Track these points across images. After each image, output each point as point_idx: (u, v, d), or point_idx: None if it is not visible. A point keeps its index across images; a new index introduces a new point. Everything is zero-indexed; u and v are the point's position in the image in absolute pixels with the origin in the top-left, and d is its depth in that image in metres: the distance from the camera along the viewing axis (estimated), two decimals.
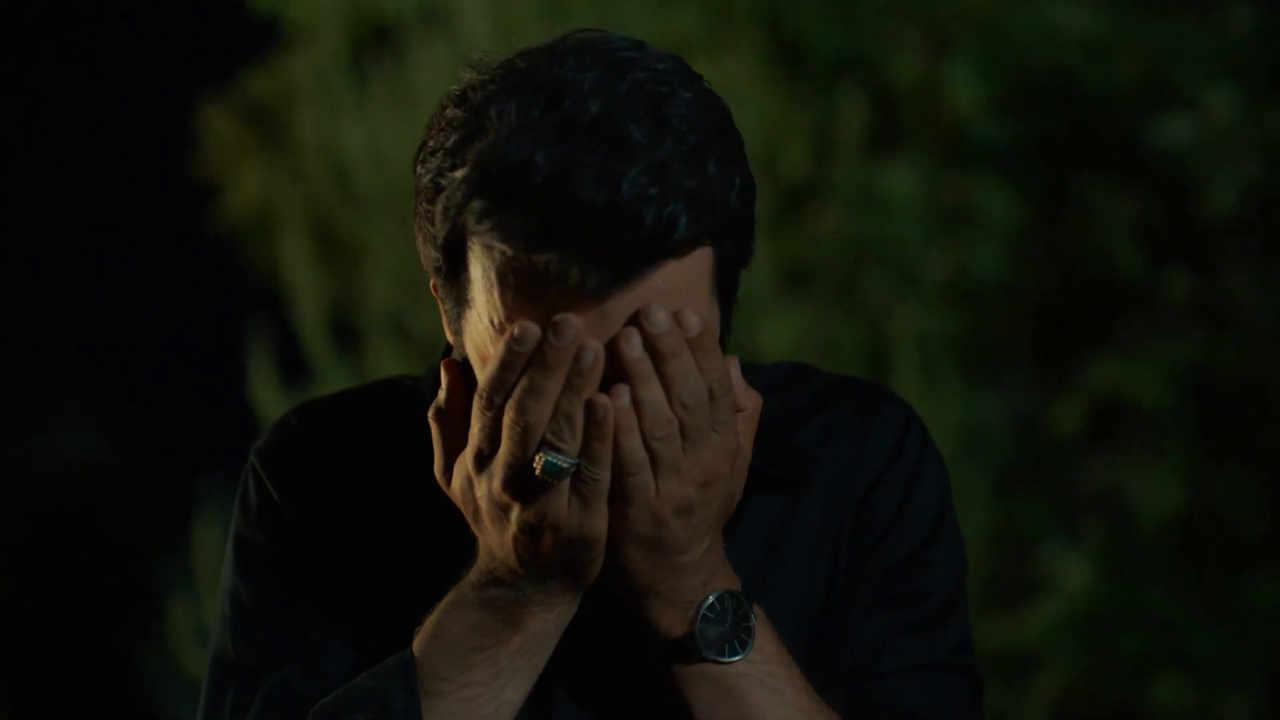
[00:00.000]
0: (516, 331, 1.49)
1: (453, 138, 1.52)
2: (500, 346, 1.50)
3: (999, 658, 3.98)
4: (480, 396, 1.52)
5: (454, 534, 1.60)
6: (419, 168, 1.56)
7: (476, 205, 1.50)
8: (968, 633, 1.72)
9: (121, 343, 5.00)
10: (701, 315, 1.51)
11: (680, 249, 1.50)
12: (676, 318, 1.50)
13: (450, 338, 1.60)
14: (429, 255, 1.56)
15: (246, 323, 4.29)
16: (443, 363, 1.58)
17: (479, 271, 1.52)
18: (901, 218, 4.06)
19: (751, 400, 1.58)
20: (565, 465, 1.51)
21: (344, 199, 4.34)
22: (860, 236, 4.09)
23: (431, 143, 1.54)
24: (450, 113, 1.54)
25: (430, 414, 1.58)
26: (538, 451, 1.51)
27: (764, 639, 1.59)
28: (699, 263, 1.52)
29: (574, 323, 1.48)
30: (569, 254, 1.47)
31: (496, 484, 1.53)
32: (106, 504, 5.20)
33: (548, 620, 1.59)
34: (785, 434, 1.69)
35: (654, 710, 1.62)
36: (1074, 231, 4.12)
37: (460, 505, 1.57)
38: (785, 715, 1.59)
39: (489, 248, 1.50)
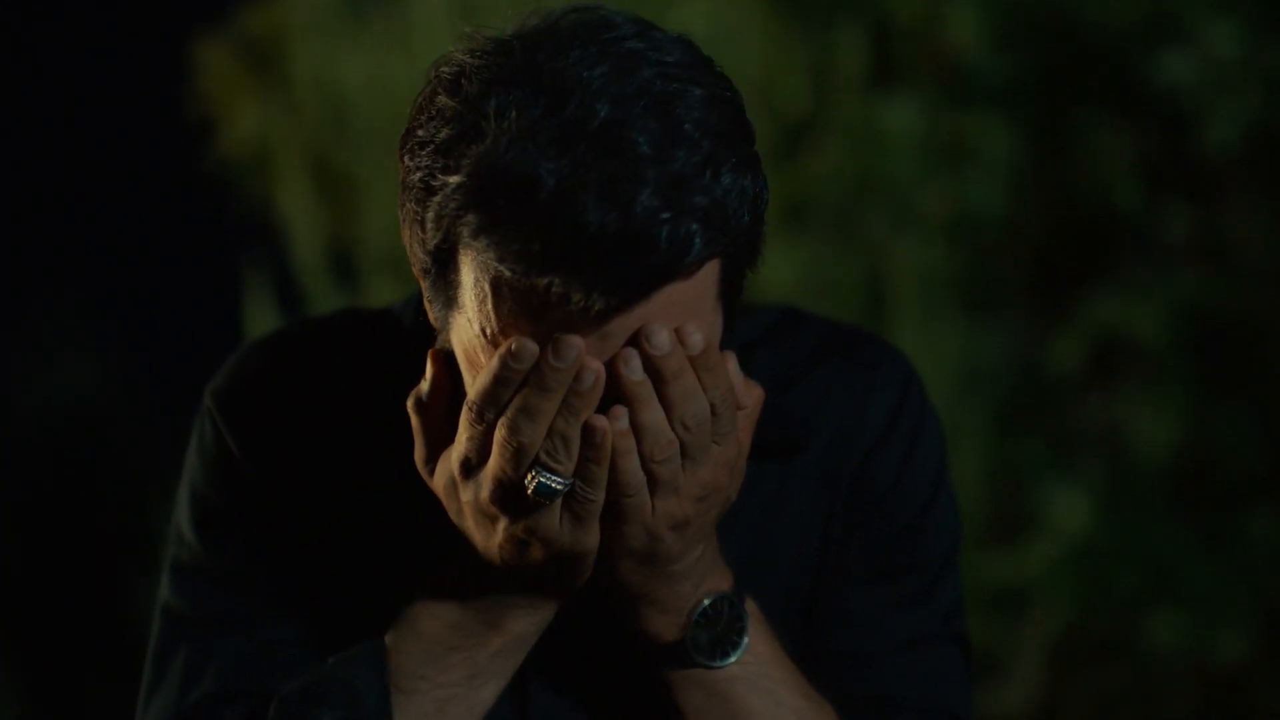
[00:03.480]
0: (514, 348, 1.40)
1: (444, 132, 1.41)
2: (494, 361, 1.41)
3: (995, 595, 3.99)
4: (470, 408, 1.44)
5: (430, 491, 1.53)
6: (406, 159, 1.44)
7: (473, 219, 1.39)
8: (958, 597, 1.69)
9: (117, 281, 4.99)
10: (703, 329, 1.44)
11: (690, 269, 1.41)
12: (679, 335, 1.42)
13: (435, 327, 1.50)
14: (416, 256, 1.45)
15: (243, 259, 4.27)
16: (429, 352, 1.50)
17: (470, 279, 1.42)
18: (900, 154, 4.04)
19: (752, 396, 1.51)
20: (559, 487, 1.43)
21: (341, 135, 4.32)
22: (859, 173, 4.07)
23: (421, 132, 1.43)
24: (441, 102, 1.42)
25: (411, 405, 1.50)
26: (530, 470, 1.43)
27: (757, 640, 1.56)
28: (706, 276, 1.44)
29: (576, 344, 1.39)
30: (573, 278, 1.37)
31: (484, 494, 1.45)
32: (102, 443, 5.19)
33: (529, 623, 1.54)
34: (779, 394, 1.64)
35: (631, 705, 1.59)
36: (1074, 168, 4.10)
37: (443, 501, 1.50)
38: (778, 716, 1.56)
39: (484, 261, 1.40)
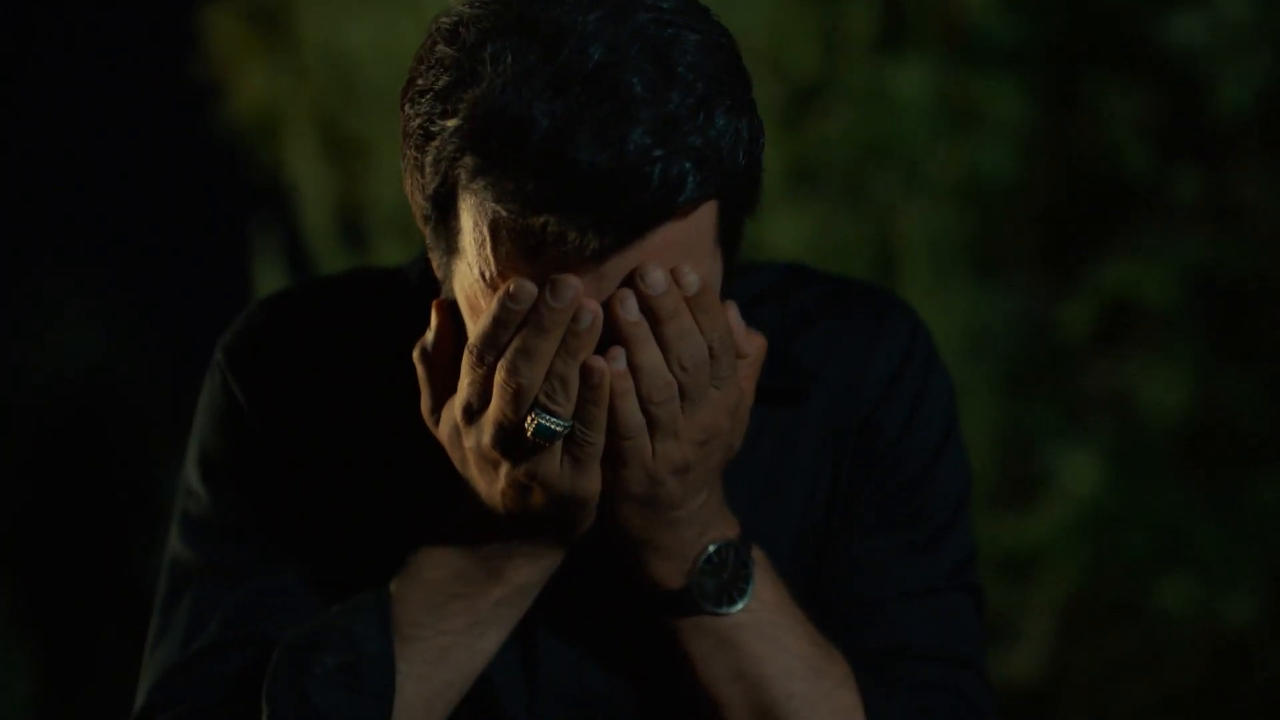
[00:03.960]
0: (512, 288, 1.42)
1: (443, 79, 1.44)
2: (494, 303, 1.43)
3: (1004, 559, 3.99)
4: (471, 351, 1.46)
5: (435, 445, 1.55)
6: (407, 107, 1.47)
7: (470, 161, 1.42)
8: (970, 546, 1.70)
9: (125, 245, 4.99)
10: (701, 272, 1.45)
11: (685, 209, 1.43)
12: (674, 276, 1.44)
13: (437, 276, 1.52)
14: (417, 203, 1.48)
15: (252, 223, 4.27)
16: (434, 303, 1.51)
17: (470, 223, 1.44)
18: (910, 117, 4.03)
19: (753, 345, 1.52)
20: (558, 429, 1.45)
21: (350, 99, 4.31)
22: (868, 136, 4.06)
23: (421, 81, 1.46)
24: (440, 51, 1.45)
25: (416, 355, 1.52)
26: (530, 412, 1.45)
27: (763, 586, 1.56)
28: (703, 218, 1.45)
29: (574, 284, 1.42)
30: (568, 218, 1.40)
31: (486, 439, 1.47)
32: (110, 408, 5.20)
33: (531, 572, 1.55)
34: (784, 344, 1.65)
35: (638, 653, 1.60)
36: (1084, 131, 4.09)
37: (448, 450, 1.51)
38: (785, 663, 1.57)
39: (482, 203, 1.42)
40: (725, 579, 1.54)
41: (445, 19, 1.46)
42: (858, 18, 4.06)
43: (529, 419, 1.44)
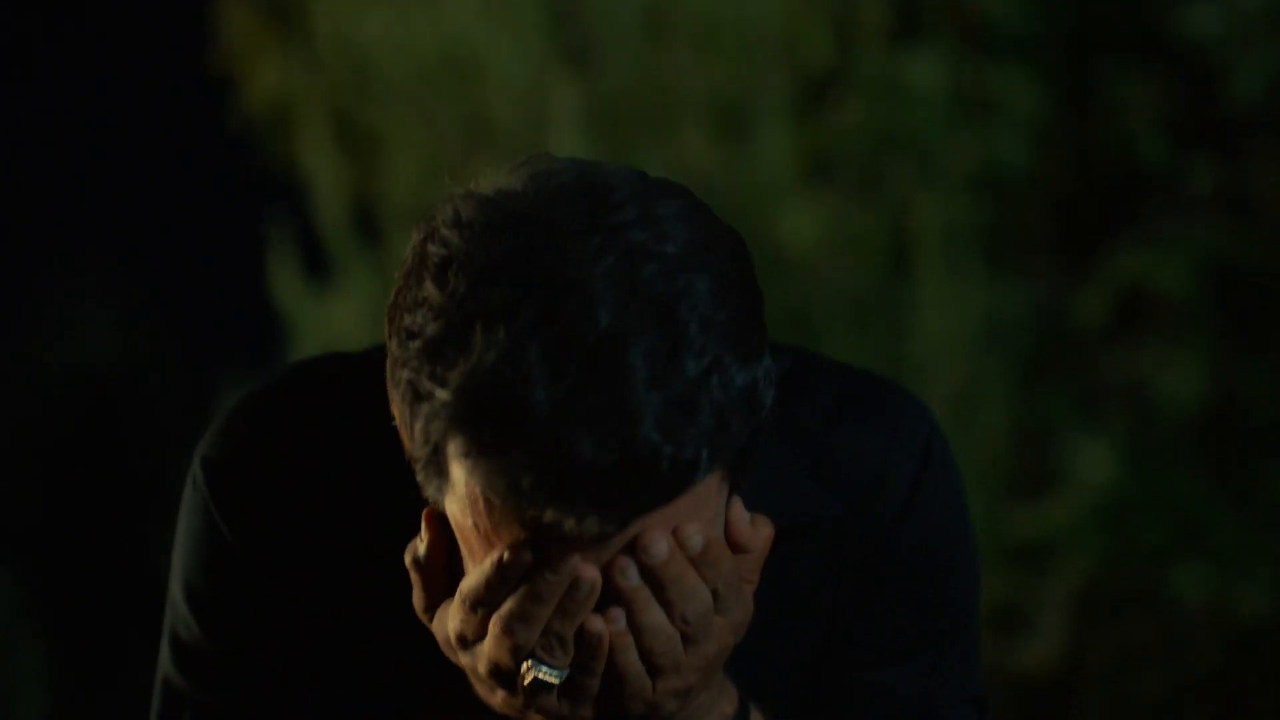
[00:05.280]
0: (506, 557, 1.34)
1: (431, 327, 1.32)
2: (487, 565, 1.35)
3: (1021, 548, 3.99)
4: (464, 599, 1.38)
5: None
6: (394, 343, 1.35)
7: (460, 444, 1.31)
8: (977, 656, 1.64)
9: (139, 238, 5.00)
10: (706, 528, 1.36)
11: (693, 486, 1.33)
12: (677, 537, 1.35)
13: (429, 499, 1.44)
14: (406, 447, 1.38)
15: (266, 216, 4.28)
16: (424, 514, 1.41)
17: (462, 485, 1.34)
18: (924, 108, 4.03)
19: (759, 538, 1.43)
20: (554, 680, 1.38)
21: (364, 91, 4.31)
22: (883, 127, 4.06)
23: (408, 319, 1.34)
24: (428, 290, 1.33)
25: (408, 560, 1.42)
26: (526, 658, 1.38)
27: None
28: (710, 479, 1.35)
29: (571, 560, 1.34)
30: (567, 512, 1.31)
31: (481, 669, 1.40)
32: (125, 402, 5.21)
33: None
34: (792, 472, 1.59)
35: None
36: (1099, 121, 4.09)
37: (444, 650, 1.45)
38: None
39: (475, 480, 1.33)
40: None
41: (434, 247, 1.34)
42: (871, 8, 4.06)
43: (525, 667, 1.38)
